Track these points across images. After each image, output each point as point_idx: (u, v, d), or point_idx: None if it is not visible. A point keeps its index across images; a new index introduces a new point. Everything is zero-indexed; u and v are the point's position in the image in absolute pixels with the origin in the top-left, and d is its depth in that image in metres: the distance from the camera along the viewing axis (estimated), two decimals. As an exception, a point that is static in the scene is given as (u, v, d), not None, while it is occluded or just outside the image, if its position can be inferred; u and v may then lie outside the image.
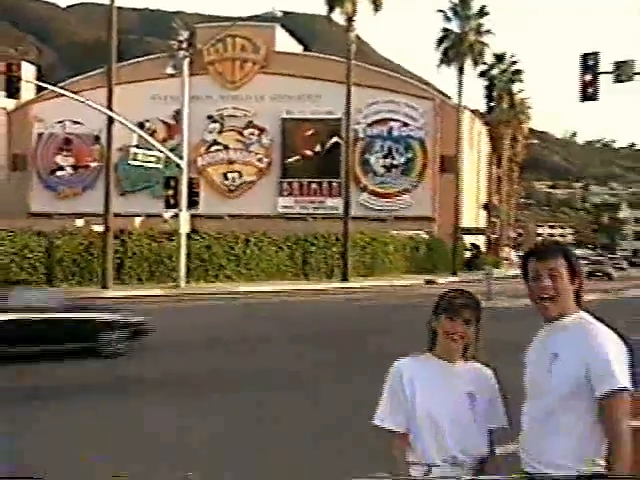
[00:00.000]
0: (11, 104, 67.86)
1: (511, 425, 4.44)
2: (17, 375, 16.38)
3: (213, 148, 72.61)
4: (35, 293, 21.68)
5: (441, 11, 69.29)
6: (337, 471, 9.45)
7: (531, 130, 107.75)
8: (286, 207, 70.53)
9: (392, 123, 69.90)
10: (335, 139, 67.11)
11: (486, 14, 69.62)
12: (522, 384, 4.32)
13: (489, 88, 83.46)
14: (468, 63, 68.51)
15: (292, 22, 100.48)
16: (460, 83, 67.13)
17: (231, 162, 72.61)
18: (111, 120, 43.69)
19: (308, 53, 78.77)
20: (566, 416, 4.07)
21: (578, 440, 4.05)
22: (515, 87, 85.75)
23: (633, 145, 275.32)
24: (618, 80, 34.82)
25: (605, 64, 34.44)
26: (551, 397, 4.12)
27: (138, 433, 11.90)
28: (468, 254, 71.80)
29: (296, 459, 10.52)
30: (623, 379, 3.99)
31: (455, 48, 67.90)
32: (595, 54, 34.11)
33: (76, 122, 71.83)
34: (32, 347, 18.36)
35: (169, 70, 53.53)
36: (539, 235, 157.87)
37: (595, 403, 4.01)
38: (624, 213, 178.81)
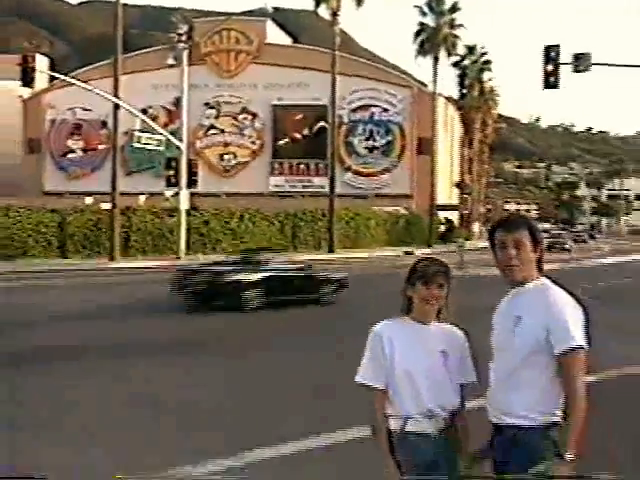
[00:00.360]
0: (26, 93, 67.48)
1: (480, 381, 4.42)
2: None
3: (210, 132, 72.53)
4: (275, 256, 25.38)
5: (417, 7, 69.91)
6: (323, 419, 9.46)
7: (499, 115, 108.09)
8: (277, 186, 70.47)
9: (373, 109, 69.98)
10: (321, 124, 66.82)
11: (458, 9, 70.31)
12: (489, 344, 4.29)
13: (461, 77, 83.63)
14: (442, 54, 69.62)
15: (282, 17, 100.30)
16: (435, 72, 68.33)
17: (227, 144, 72.49)
18: (117, 106, 44.32)
19: (297, 45, 78.48)
20: (528, 372, 4.09)
21: (539, 394, 4.09)
22: (485, 76, 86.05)
23: (590, 129, 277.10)
24: (577, 70, 35.44)
25: (566, 56, 34.97)
26: (514, 355, 4.13)
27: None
28: (442, 228, 71.96)
29: (293, 407, 10.35)
30: (579, 339, 4.02)
31: (430, 41, 68.78)
32: (556, 47, 34.60)
33: (85, 109, 71.61)
34: (282, 297, 21.96)
35: (170, 61, 53.65)
36: (506, 211, 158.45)
37: (554, 360, 4.05)
38: (582, 191, 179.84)
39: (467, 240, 60.17)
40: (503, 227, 4.32)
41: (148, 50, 73.03)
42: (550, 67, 34.53)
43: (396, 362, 4.29)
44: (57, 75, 51.74)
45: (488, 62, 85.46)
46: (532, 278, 4.24)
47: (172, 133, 48.49)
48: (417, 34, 69.69)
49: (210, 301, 21.68)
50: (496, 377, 4.23)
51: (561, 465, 3.89)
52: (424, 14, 69.51)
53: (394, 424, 4.28)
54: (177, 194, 44.68)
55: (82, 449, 8.64)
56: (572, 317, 4.07)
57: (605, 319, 17.84)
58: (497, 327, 4.30)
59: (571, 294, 4.25)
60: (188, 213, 45.44)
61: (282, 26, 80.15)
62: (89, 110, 70.70)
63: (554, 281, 4.30)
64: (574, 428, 3.95)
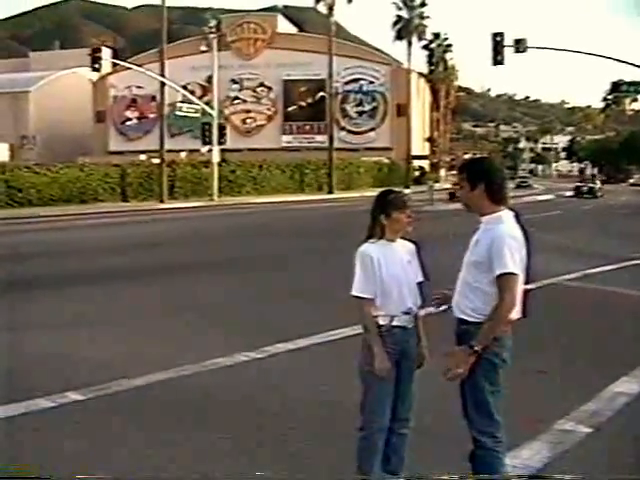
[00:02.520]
0: (95, 76, 67.06)
1: (427, 279, 4.51)
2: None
3: (235, 102, 71.65)
4: None
5: (394, 3, 71.50)
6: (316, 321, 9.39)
7: (459, 86, 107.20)
8: (287, 142, 69.84)
9: (362, 82, 69.22)
10: (321, 94, 66.04)
11: (426, 5, 71.91)
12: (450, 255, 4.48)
13: (429, 57, 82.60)
14: (414, 39, 70.94)
15: (289, 12, 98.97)
16: (409, 53, 69.45)
17: (248, 111, 71.78)
18: (163, 84, 44.83)
19: (301, 34, 77.37)
20: (474, 283, 4.10)
21: (481, 299, 4.06)
22: (447, 56, 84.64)
23: (528, 97, 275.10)
24: (517, 51, 36.69)
25: (509, 40, 36.01)
26: (468, 268, 4.14)
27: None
28: (416, 173, 71.66)
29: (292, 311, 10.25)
30: (511, 266, 3.97)
31: (405, 29, 69.98)
32: (501, 34, 35.71)
33: (139, 87, 70.86)
34: None
35: (203, 48, 53.21)
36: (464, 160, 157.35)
37: (495, 280, 4.00)
38: (523, 144, 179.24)
39: (436, 182, 60.35)
40: (458, 170, 4.33)
41: (186, 40, 71.87)
42: (497, 49, 35.38)
43: (384, 274, 4.28)
44: (118, 62, 52.82)
45: (450, 45, 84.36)
46: (484, 211, 4.11)
47: (206, 103, 48.50)
48: (394, 24, 71.32)
49: None
50: (458, 286, 4.20)
51: (462, 350, 4.02)
52: (399, 8, 71.25)
53: (383, 320, 4.29)
54: (210, 150, 44.74)
55: (136, 344, 8.59)
56: (507, 247, 3.98)
57: (539, 242, 17.73)
58: (468, 247, 4.24)
59: (520, 225, 4.20)
60: (219, 165, 45.31)
61: (290, 19, 79.65)
62: (142, 88, 69.86)
63: (515, 212, 4.22)
64: (488, 329, 3.98)
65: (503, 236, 4.03)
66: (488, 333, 3.99)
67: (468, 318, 4.11)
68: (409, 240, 4.50)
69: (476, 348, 3.98)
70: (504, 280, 3.98)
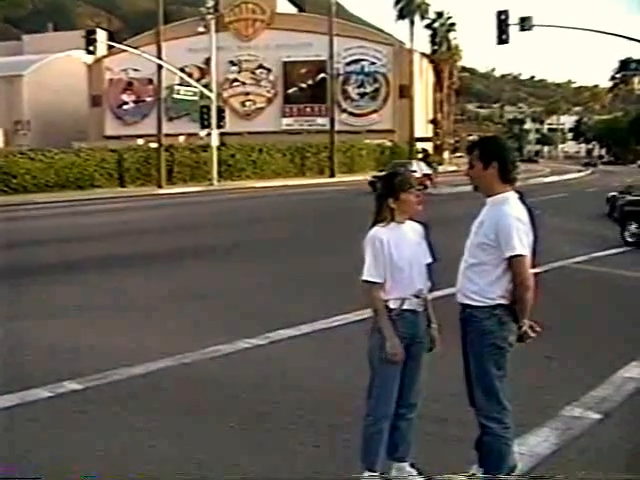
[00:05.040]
0: (90, 59, 66.73)
1: (435, 260, 4.50)
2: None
3: (234, 84, 71.22)
4: None
5: None
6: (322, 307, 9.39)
7: (463, 67, 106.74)
8: (288, 125, 69.48)
9: (363, 62, 68.65)
10: (322, 75, 65.62)
11: None
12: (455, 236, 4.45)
13: (432, 36, 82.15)
14: (417, 19, 70.99)
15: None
16: (411, 33, 69.27)
17: (247, 94, 71.35)
18: (160, 67, 44.93)
19: (301, 14, 76.83)
20: (481, 265, 4.11)
21: (489, 281, 4.09)
22: (451, 35, 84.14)
23: (533, 77, 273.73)
24: (522, 29, 35.93)
25: (514, 18, 35.57)
26: (473, 251, 4.15)
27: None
28: (420, 156, 71.32)
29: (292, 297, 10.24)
30: (519, 248, 4.00)
31: (407, 8, 69.88)
32: (506, 11, 35.17)
33: (135, 69, 70.34)
34: None
35: (200, 29, 53.22)
36: (470, 142, 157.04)
37: (503, 261, 4.04)
38: (528, 125, 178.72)
39: (440, 165, 60.48)
40: (467, 149, 4.32)
41: (183, 21, 71.52)
42: (502, 27, 34.88)
43: (395, 256, 4.28)
44: (113, 44, 52.80)
45: (453, 24, 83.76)
46: (493, 192, 4.12)
47: (204, 86, 48.42)
48: (396, 2, 71.18)
49: None
50: (461, 267, 4.23)
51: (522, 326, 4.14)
52: (401, -14, 69.92)
53: (393, 304, 4.30)
54: (209, 134, 44.62)
55: (136, 332, 8.59)
56: (514, 229, 4.01)
57: (545, 225, 17.68)
58: (472, 229, 4.24)
59: (526, 206, 4.20)
60: (218, 148, 45.24)
61: (289, -1, 78.91)
62: (138, 70, 69.38)
63: (520, 193, 4.22)
64: (523, 309, 4.07)
65: (509, 217, 4.03)
66: (522, 313, 4.11)
67: (472, 302, 4.12)
68: (417, 221, 4.50)
69: (524, 324, 4.14)
70: (516, 263, 4.02)
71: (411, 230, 4.43)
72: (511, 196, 4.15)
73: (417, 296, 4.34)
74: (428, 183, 34.77)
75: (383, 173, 35.24)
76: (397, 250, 4.30)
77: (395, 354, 4.24)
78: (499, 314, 4.08)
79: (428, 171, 38.55)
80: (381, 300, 4.30)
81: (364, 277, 4.33)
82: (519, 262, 4.02)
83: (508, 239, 4.00)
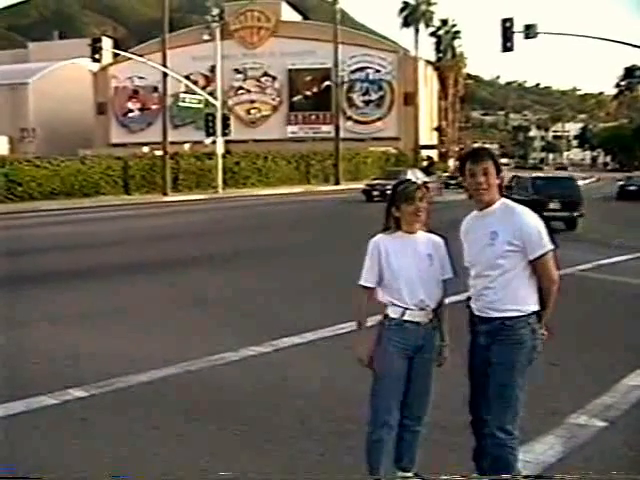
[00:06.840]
0: (95, 67, 67.05)
1: (456, 275, 4.39)
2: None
3: (239, 92, 71.48)
4: None
5: None
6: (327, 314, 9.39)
7: (468, 74, 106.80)
8: (293, 132, 69.73)
9: (368, 70, 68.82)
10: (327, 83, 65.72)
11: None
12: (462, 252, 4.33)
13: (437, 44, 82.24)
14: (421, 26, 71.86)
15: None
16: (416, 41, 70.43)
17: (252, 101, 71.64)
18: (165, 75, 44.96)
19: (306, 21, 77.14)
20: (506, 275, 4.08)
21: (518, 291, 4.10)
22: (455, 43, 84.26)
23: (538, 84, 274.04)
24: (527, 37, 35.99)
25: (519, 26, 35.68)
26: (493, 264, 4.10)
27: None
28: (424, 163, 71.46)
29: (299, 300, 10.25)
30: (548, 243, 4.07)
31: (412, 15, 70.95)
32: (511, 19, 35.21)
33: (141, 77, 70.82)
34: None
35: (205, 37, 53.33)
36: (475, 149, 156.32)
37: (529, 265, 4.07)
38: (533, 133, 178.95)
39: (444, 172, 60.52)
40: (472, 158, 4.21)
41: (189, 29, 71.83)
42: (506, 35, 35.00)
43: (393, 265, 4.28)
44: (119, 52, 53.00)
45: (458, 32, 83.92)
46: (496, 200, 4.16)
47: (209, 94, 48.56)
48: (401, 10, 72.19)
49: None
50: (481, 282, 4.17)
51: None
52: (406, -6, 70.54)
53: (394, 313, 4.30)
54: (214, 142, 44.78)
55: (140, 340, 8.59)
56: (539, 226, 4.08)
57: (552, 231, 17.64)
58: (474, 245, 4.22)
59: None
60: (223, 156, 45.48)
61: (294, 7, 78.79)
62: (144, 78, 69.86)
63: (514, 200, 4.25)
64: (550, 303, 4.18)
65: (528, 216, 4.11)
66: (550, 309, 4.20)
67: (508, 314, 4.09)
68: (437, 234, 4.46)
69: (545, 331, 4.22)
70: (548, 258, 4.10)
71: (424, 242, 4.38)
72: (510, 202, 4.21)
73: (421, 308, 4.29)
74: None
75: (376, 182, 35.04)
76: (397, 259, 4.28)
77: (360, 359, 4.36)
78: (532, 322, 4.11)
79: (426, 179, 38.46)
80: (365, 304, 4.38)
81: (360, 282, 4.39)
82: (548, 258, 4.09)
83: (540, 236, 4.06)
